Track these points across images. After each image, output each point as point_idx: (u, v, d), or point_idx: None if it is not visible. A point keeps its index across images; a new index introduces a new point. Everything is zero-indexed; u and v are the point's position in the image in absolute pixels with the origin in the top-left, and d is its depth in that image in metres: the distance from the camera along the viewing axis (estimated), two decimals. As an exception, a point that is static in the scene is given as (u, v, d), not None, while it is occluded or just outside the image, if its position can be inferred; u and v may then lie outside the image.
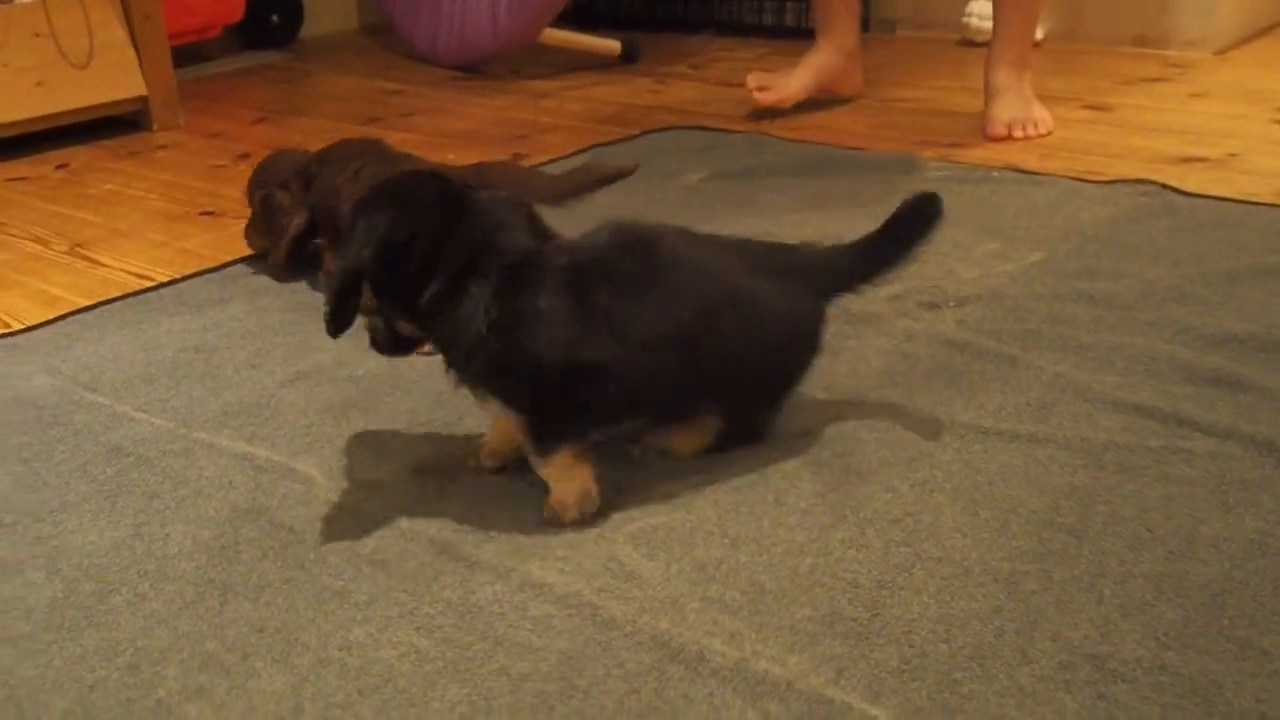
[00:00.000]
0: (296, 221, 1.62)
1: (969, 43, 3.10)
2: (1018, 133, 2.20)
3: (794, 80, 2.46)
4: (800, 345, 1.17)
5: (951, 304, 1.47)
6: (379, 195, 1.06)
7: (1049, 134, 2.22)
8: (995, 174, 1.97)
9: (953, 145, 2.18)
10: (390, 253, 1.02)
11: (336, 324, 1.04)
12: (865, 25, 3.30)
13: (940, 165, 2.05)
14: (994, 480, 1.10)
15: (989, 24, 3.01)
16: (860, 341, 1.39)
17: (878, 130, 2.34)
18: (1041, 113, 2.23)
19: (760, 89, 2.44)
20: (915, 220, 1.20)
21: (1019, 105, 2.22)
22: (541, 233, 1.09)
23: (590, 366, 1.03)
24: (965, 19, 3.08)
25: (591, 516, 1.07)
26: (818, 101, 2.57)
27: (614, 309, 1.04)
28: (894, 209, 1.20)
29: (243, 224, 1.78)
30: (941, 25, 3.23)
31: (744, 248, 1.18)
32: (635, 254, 1.08)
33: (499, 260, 1.03)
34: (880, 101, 2.57)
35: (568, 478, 1.07)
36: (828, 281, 1.18)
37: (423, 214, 1.03)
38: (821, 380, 1.29)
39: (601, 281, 1.05)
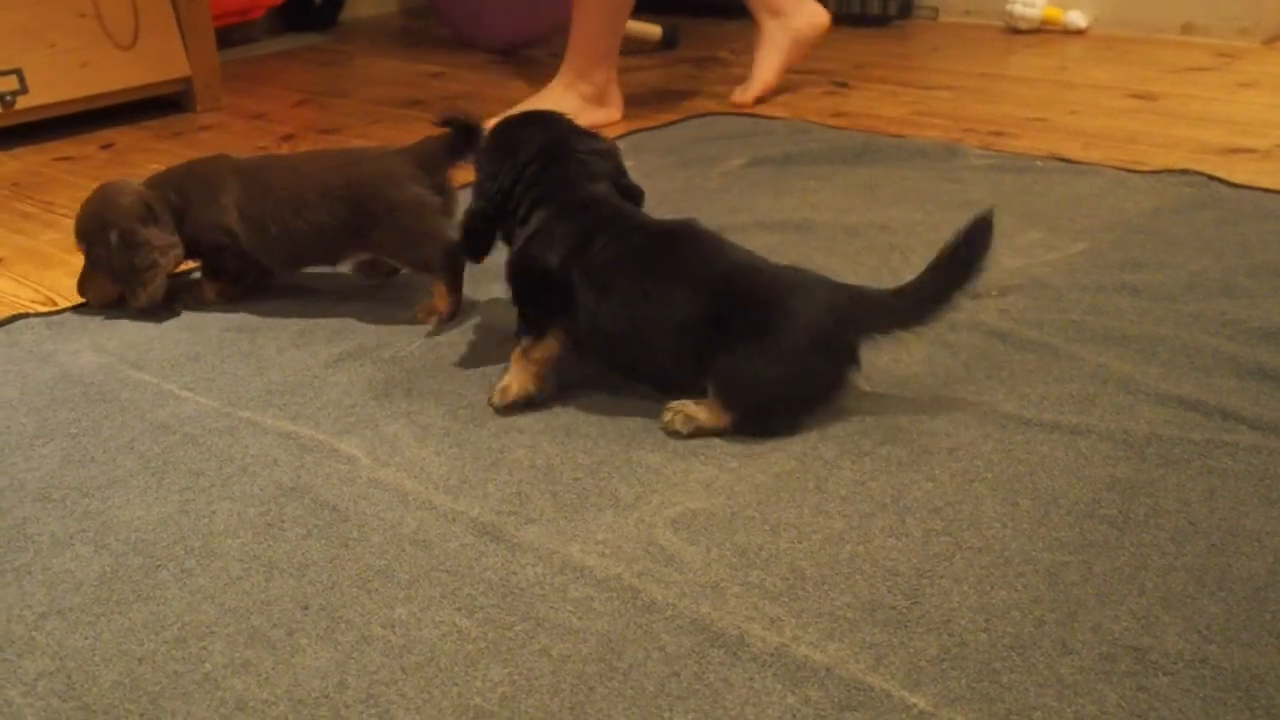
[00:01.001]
0: (175, 254, 1.52)
1: (1013, 30, 3.07)
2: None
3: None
4: (811, 361, 1.18)
5: (994, 293, 1.46)
6: (496, 146, 1.33)
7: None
8: (1039, 163, 1.96)
9: (996, 134, 2.17)
10: (502, 198, 1.29)
11: (475, 253, 1.34)
12: (908, 10, 3.30)
13: (983, 153, 2.03)
14: (1035, 471, 1.10)
15: (1034, 11, 3.00)
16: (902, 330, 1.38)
17: (920, 117, 2.33)
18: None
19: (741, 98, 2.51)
20: (970, 251, 1.19)
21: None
22: (620, 183, 1.32)
23: (557, 282, 1.22)
24: (1009, 6, 3.06)
25: (507, 409, 1.25)
26: (859, 88, 2.57)
27: (608, 263, 1.21)
28: (949, 242, 1.19)
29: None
30: (985, 12, 3.20)
31: (800, 273, 1.24)
32: (666, 239, 1.24)
33: (563, 201, 1.26)
34: (923, 89, 2.56)
35: (517, 369, 1.26)
36: (871, 316, 1.20)
37: (526, 163, 1.28)
38: (862, 368, 1.29)
39: (620, 239, 1.23)
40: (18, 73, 2.42)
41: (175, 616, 0.96)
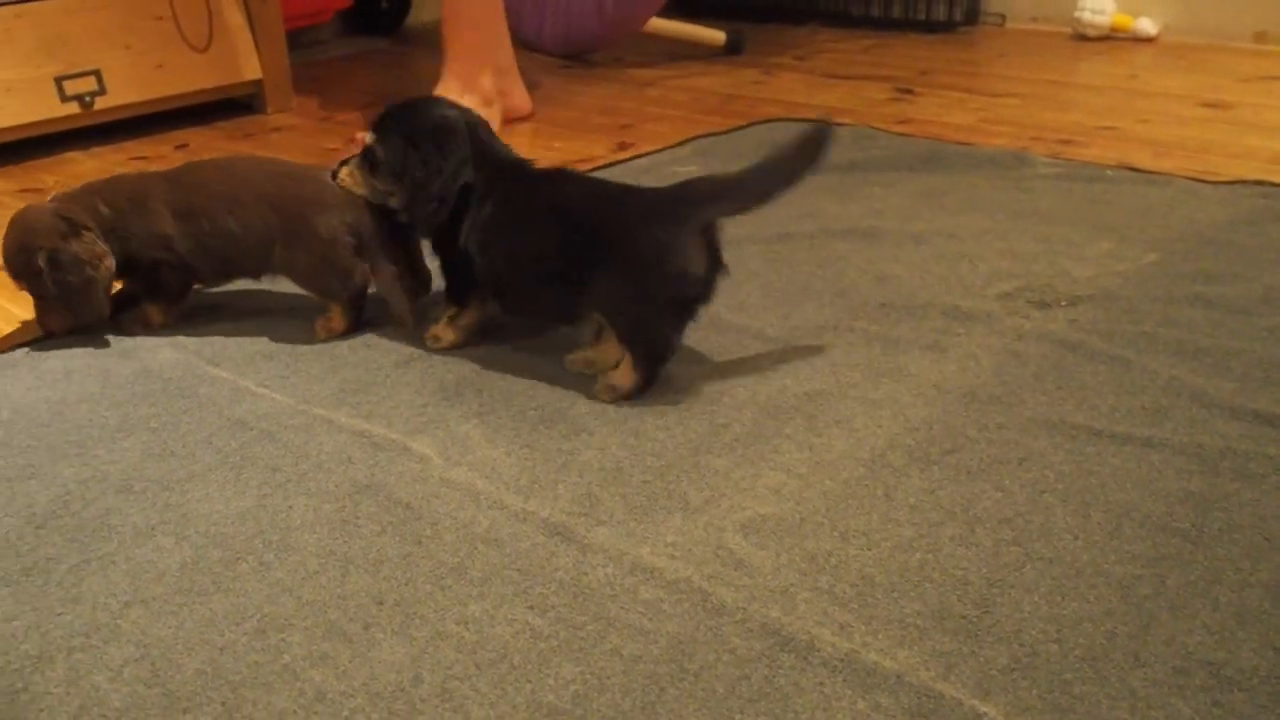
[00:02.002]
0: (108, 264, 1.46)
1: (1081, 37, 3.05)
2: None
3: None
4: (658, 265, 1.26)
5: (1063, 304, 1.46)
6: (416, 141, 1.39)
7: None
8: (1109, 172, 1.95)
9: (1064, 142, 2.16)
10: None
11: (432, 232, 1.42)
12: (974, 17, 3.28)
13: (1052, 162, 2.02)
14: (1106, 483, 1.10)
15: (1102, 18, 2.98)
16: (970, 339, 1.38)
17: (987, 125, 2.32)
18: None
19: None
20: (806, 155, 1.28)
21: None
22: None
23: (463, 254, 1.37)
24: (1078, 13, 3.04)
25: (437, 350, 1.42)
26: (925, 95, 2.56)
27: (488, 222, 1.35)
28: (789, 143, 1.27)
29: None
30: (1053, 18, 3.19)
31: (631, 190, 1.35)
32: (529, 185, 1.38)
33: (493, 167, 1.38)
34: (990, 96, 2.55)
35: (446, 329, 1.43)
36: (705, 209, 1.28)
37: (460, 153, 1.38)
38: (930, 377, 1.30)
39: (497, 195, 1.36)
40: (96, 74, 2.47)
41: (255, 608, 0.98)
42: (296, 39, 3.26)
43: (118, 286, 1.53)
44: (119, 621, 0.97)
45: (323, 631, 0.95)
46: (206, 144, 2.50)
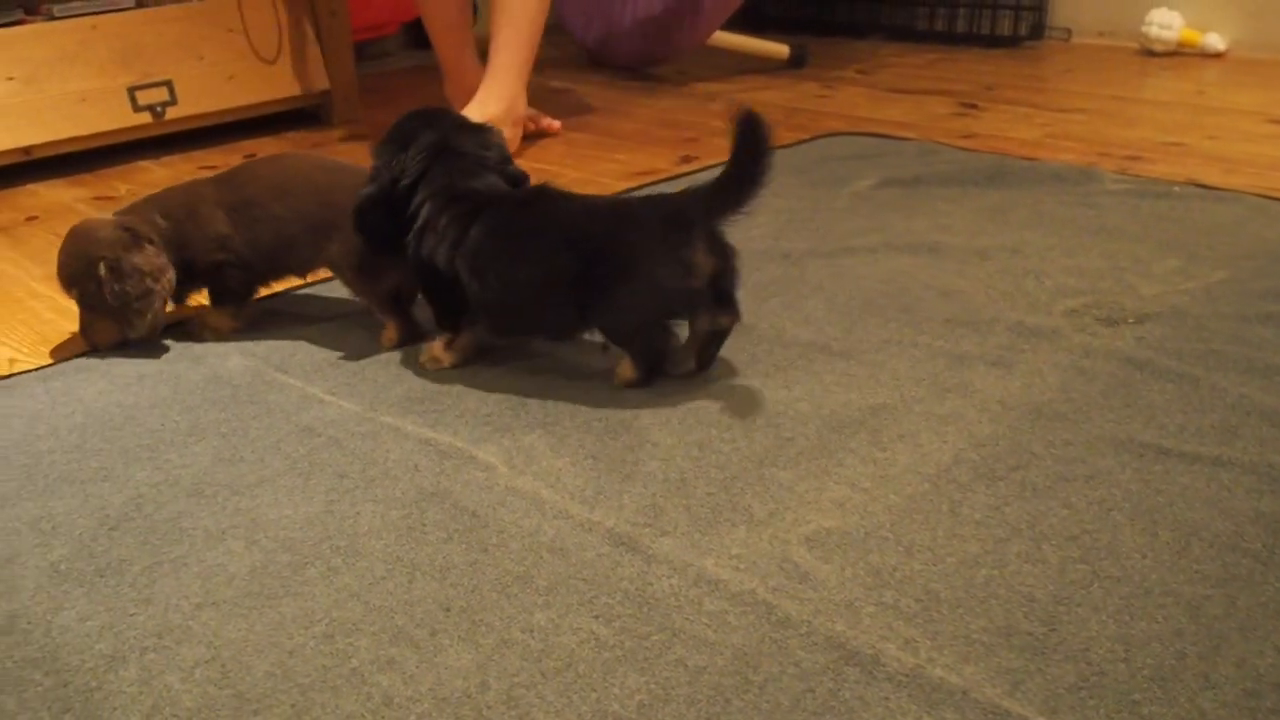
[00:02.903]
0: (169, 277, 1.49)
1: (1149, 52, 3.03)
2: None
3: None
4: (661, 282, 1.28)
5: (1131, 321, 1.45)
6: (390, 140, 1.43)
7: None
8: (1176, 189, 1.93)
9: (1132, 158, 2.14)
10: (392, 187, 1.40)
11: (371, 239, 1.43)
12: (1040, 32, 3.26)
13: (1119, 178, 2.01)
14: (1175, 502, 1.09)
15: (1170, 33, 2.95)
16: (1035, 356, 1.37)
17: (1053, 140, 2.30)
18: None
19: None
20: (753, 143, 1.25)
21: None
22: (506, 171, 1.45)
23: (449, 279, 1.35)
24: (1145, 27, 3.01)
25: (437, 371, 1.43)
26: (989, 109, 2.55)
27: (480, 247, 1.34)
28: (733, 143, 1.25)
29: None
30: (1120, 34, 3.16)
31: (627, 204, 1.38)
32: (521, 207, 1.37)
33: (445, 196, 1.37)
34: (1056, 111, 2.53)
35: (443, 354, 1.43)
36: (687, 220, 1.28)
37: (413, 158, 1.40)
38: (996, 393, 1.29)
39: (485, 221, 1.35)
40: (168, 84, 2.52)
41: (323, 612, 0.99)
42: (362, 51, 3.30)
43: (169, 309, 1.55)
44: (190, 623, 0.99)
45: (390, 637, 0.96)
46: (275, 154, 2.53)
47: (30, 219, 2.15)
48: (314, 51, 2.73)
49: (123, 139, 2.50)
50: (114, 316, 1.50)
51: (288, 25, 2.67)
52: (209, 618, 0.99)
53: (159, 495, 1.19)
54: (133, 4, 2.53)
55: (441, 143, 1.41)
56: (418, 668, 0.92)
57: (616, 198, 1.40)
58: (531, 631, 0.95)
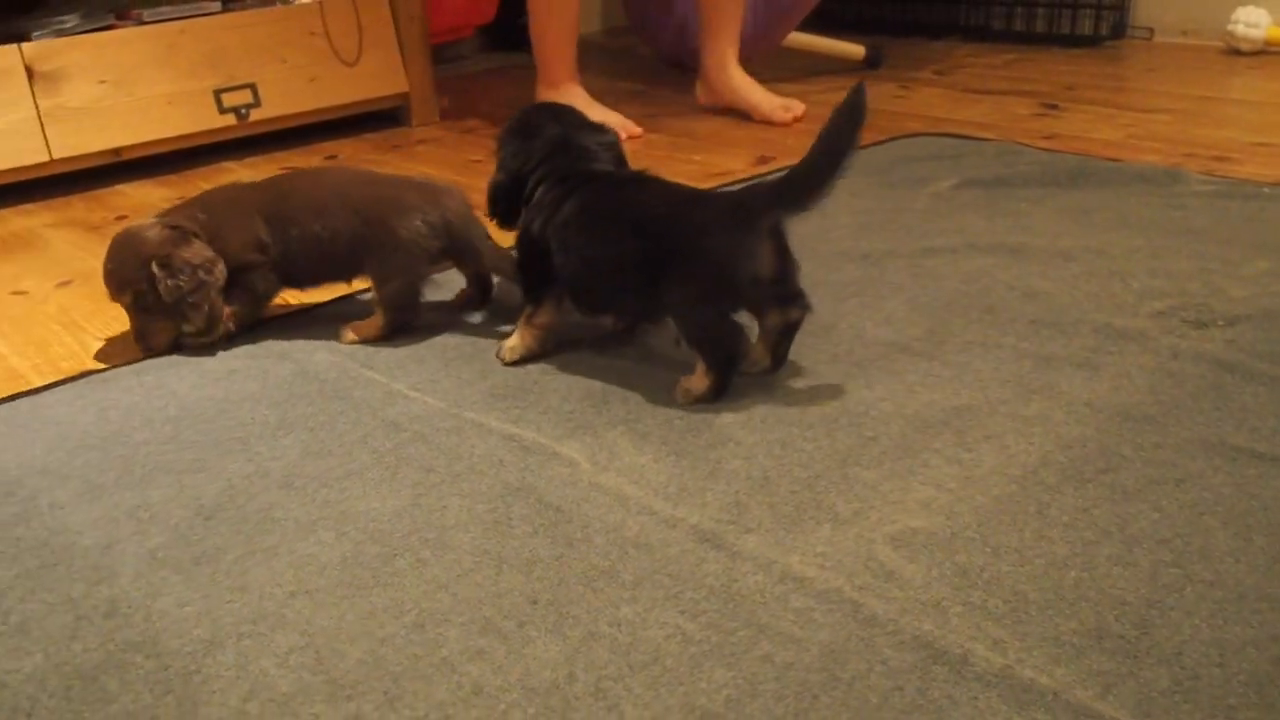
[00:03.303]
0: (220, 269, 1.51)
1: (1234, 51, 2.98)
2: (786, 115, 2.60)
3: None
4: (724, 270, 1.28)
5: (1220, 323, 1.42)
6: (515, 131, 1.51)
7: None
8: (1266, 189, 1.90)
9: (1218, 159, 2.11)
10: (514, 176, 1.48)
11: (501, 219, 1.51)
12: (1122, 31, 3.22)
13: (1205, 179, 1.98)
14: (1269, 506, 1.07)
15: (1257, 31, 2.90)
16: (1123, 358, 1.36)
17: (1137, 141, 2.27)
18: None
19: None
20: (848, 129, 1.26)
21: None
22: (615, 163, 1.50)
23: (541, 249, 1.40)
24: (1231, 26, 2.97)
25: (515, 364, 1.45)
26: (1071, 110, 2.52)
27: (568, 221, 1.38)
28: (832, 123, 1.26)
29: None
30: (1204, 32, 3.11)
31: (702, 195, 1.42)
32: (611, 187, 1.42)
33: (557, 177, 1.43)
34: (1139, 111, 2.50)
35: (522, 333, 1.46)
36: (770, 211, 1.29)
37: (537, 149, 1.47)
38: (1083, 395, 1.28)
39: (579, 197, 1.39)
40: (252, 87, 2.56)
41: (413, 603, 1.01)
42: (439, 53, 3.34)
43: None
44: (284, 611, 1.01)
45: (479, 627, 0.97)
46: (354, 155, 2.57)
47: (120, 218, 2.19)
48: (393, 54, 2.76)
49: (208, 141, 2.55)
50: (169, 315, 1.52)
51: (368, 29, 2.70)
52: (302, 606, 1.01)
53: (251, 486, 1.21)
54: (219, 9, 2.58)
55: (563, 136, 1.48)
56: (506, 658, 0.93)
57: (701, 190, 1.40)
58: (618, 625, 0.96)
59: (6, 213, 2.30)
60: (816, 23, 3.28)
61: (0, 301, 1.81)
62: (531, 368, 1.44)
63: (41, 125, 2.34)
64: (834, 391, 1.32)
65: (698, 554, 1.05)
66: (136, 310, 1.53)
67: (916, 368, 1.37)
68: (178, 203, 1.60)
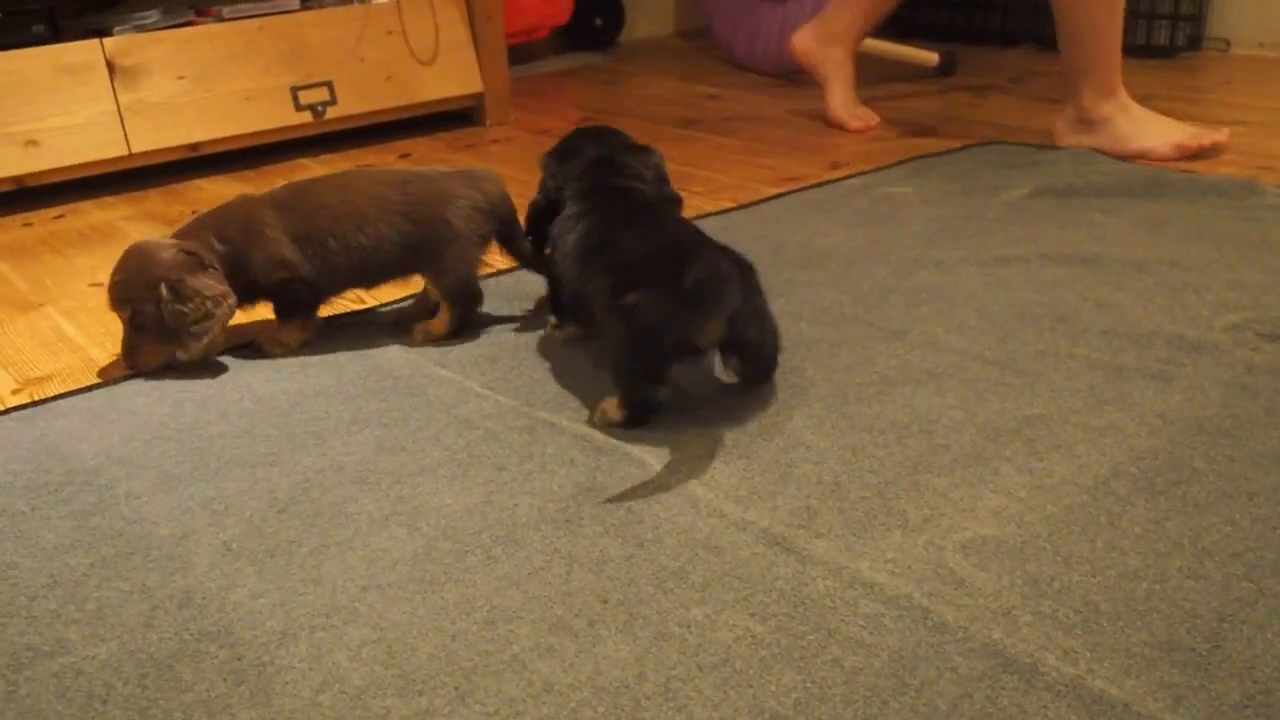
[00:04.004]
0: (230, 303, 1.49)
1: (1315, 64, 2.93)
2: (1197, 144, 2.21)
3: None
4: (640, 332, 1.25)
5: (1298, 337, 1.41)
6: (557, 152, 1.55)
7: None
8: (1346, 204, 1.87)
9: (1297, 171, 2.08)
10: (549, 198, 1.52)
11: (534, 237, 1.57)
12: (1197, 42, 3.18)
13: (1283, 192, 1.95)
14: (1347, 522, 1.06)
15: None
16: (1196, 370, 1.35)
17: (1212, 152, 2.24)
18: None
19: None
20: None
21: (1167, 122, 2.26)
22: (662, 190, 1.52)
23: (554, 268, 1.45)
24: (1312, 38, 2.92)
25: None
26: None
27: (569, 243, 1.40)
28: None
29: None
30: (1284, 44, 3.07)
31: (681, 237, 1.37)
32: (609, 218, 1.41)
33: (578, 196, 1.46)
34: (1215, 123, 2.47)
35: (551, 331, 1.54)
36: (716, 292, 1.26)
37: (575, 168, 1.50)
38: (1155, 407, 1.27)
39: (583, 224, 1.41)
40: (329, 85, 2.59)
41: (484, 599, 1.02)
42: (514, 54, 3.36)
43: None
44: (357, 604, 1.02)
45: (549, 625, 0.98)
46: (429, 154, 2.59)
47: (196, 213, 2.23)
48: (469, 54, 2.79)
49: (284, 137, 2.59)
50: (165, 338, 1.49)
51: (444, 28, 2.73)
52: (374, 600, 1.03)
53: (324, 481, 1.23)
54: (297, 6, 2.62)
55: (601, 158, 1.50)
56: (577, 656, 0.94)
57: (696, 234, 1.36)
58: (688, 626, 0.97)
59: (85, 205, 2.35)
60: (890, 29, 3.26)
61: (79, 293, 1.86)
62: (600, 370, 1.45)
63: (121, 119, 2.39)
64: (905, 398, 1.32)
65: (768, 557, 1.05)
66: (131, 328, 1.50)
67: (988, 376, 1.37)
68: (191, 219, 1.57)
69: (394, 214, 1.53)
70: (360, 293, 1.71)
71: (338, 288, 1.59)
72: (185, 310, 1.46)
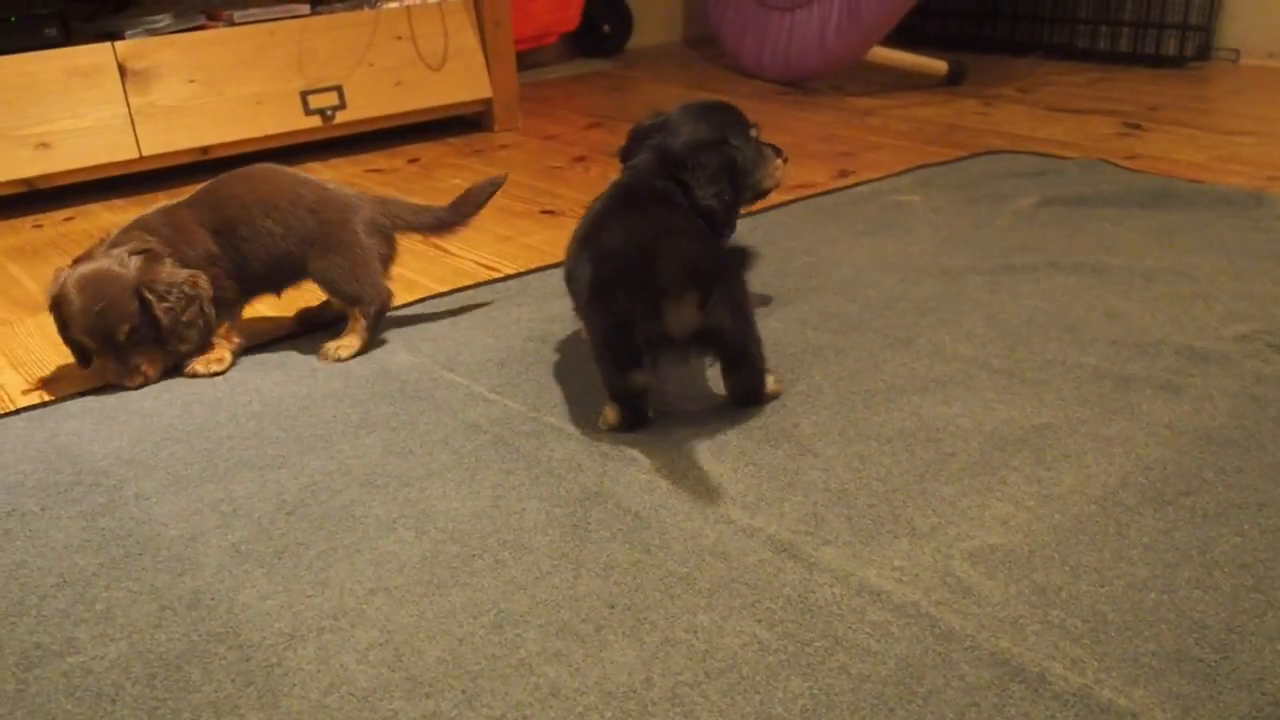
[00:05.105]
0: (201, 280, 1.51)
1: (1324, 75, 2.93)
2: None
3: None
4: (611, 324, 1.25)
5: (1307, 348, 1.41)
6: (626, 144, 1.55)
7: None
8: (1355, 215, 1.87)
9: (1306, 183, 2.08)
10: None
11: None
12: (1207, 52, 3.18)
13: (1292, 203, 1.95)
14: (1355, 534, 1.06)
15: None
16: (1205, 380, 1.35)
17: (1220, 163, 2.24)
18: None
19: None
20: None
21: None
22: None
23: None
24: (1321, 50, 2.92)
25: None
26: (1154, 130, 2.49)
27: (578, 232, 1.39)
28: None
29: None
30: (1293, 56, 3.07)
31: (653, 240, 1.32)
32: (611, 209, 1.39)
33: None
34: (1223, 133, 2.47)
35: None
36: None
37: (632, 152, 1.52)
38: (1164, 417, 1.27)
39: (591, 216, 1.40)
40: (338, 89, 2.60)
41: (491, 603, 1.02)
42: (522, 60, 3.37)
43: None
44: (364, 607, 1.03)
45: (556, 630, 0.98)
46: (438, 159, 2.60)
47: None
48: (478, 60, 2.79)
49: (294, 141, 2.59)
50: (161, 341, 1.50)
51: (453, 34, 2.74)
52: (382, 603, 1.03)
53: (333, 483, 1.23)
54: (308, 11, 2.63)
55: (659, 149, 1.48)
56: (584, 661, 0.94)
57: (681, 225, 1.35)
58: (695, 632, 0.97)
59: (95, 208, 2.36)
60: (899, 38, 3.27)
61: (91, 295, 1.86)
62: (609, 374, 1.45)
63: (132, 122, 2.40)
64: (913, 406, 1.32)
65: (775, 564, 1.05)
66: (128, 346, 1.48)
67: (995, 384, 1.37)
68: (101, 238, 1.55)
69: (303, 209, 1.55)
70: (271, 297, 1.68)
71: (255, 282, 1.59)
72: (172, 305, 1.48)
